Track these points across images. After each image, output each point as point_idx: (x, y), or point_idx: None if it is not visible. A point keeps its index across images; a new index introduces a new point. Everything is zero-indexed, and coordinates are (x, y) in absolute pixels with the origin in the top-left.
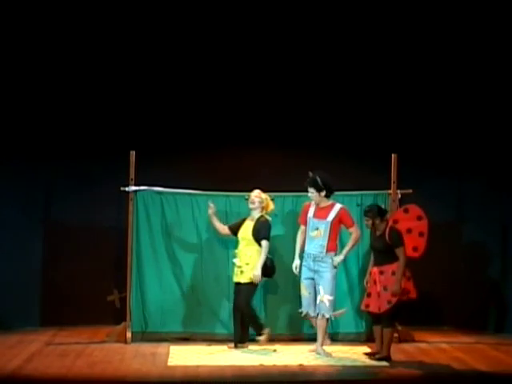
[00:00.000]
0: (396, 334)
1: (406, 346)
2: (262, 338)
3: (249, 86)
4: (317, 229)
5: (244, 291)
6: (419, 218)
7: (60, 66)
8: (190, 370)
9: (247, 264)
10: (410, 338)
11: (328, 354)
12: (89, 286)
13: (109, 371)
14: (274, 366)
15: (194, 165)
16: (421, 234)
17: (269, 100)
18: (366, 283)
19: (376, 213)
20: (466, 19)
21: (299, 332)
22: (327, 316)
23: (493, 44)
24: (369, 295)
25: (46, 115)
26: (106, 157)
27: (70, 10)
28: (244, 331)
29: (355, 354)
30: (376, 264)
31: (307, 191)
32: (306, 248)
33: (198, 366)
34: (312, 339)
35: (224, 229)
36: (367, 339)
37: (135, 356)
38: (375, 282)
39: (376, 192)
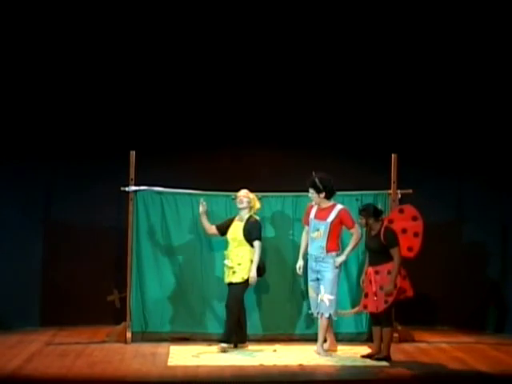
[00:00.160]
0: (396, 334)
1: (406, 346)
2: (224, 345)
3: (249, 86)
4: (317, 230)
5: (235, 290)
6: (414, 219)
7: (60, 66)
8: (189, 370)
9: (239, 264)
10: (410, 338)
11: (328, 354)
12: (89, 286)
13: (109, 371)
14: (274, 366)
15: (193, 165)
16: (416, 235)
17: (269, 100)
18: (362, 282)
19: (371, 212)
20: (466, 19)
21: (294, 332)
22: (326, 315)
23: (493, 44)
24: (366, 295)
25: (46, 115)
26: (106, 157)
27: (71, 11)
28: (242, 331)
29: (355, 354)
30: (371, 264)
31: (307, 191)
32: (309, 249)
33: (197, 366)
34: (307, 339)
35: (211, 228)
36: (368, 339)
37: (135, 356)
38: (371, 282)
39: (376, 192)
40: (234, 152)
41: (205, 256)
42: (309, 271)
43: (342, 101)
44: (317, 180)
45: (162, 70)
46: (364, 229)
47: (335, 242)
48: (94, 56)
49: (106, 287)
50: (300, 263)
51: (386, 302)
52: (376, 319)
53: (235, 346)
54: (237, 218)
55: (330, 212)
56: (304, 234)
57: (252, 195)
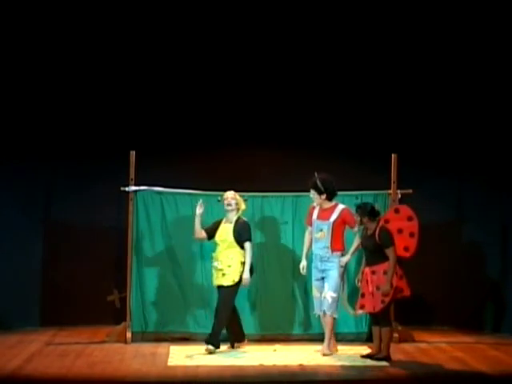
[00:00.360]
0: (396, 334)
1: (406, 346)
2: (211, 347)
3: (249, 86)
4: (321, 230)
5: (226, 294)
6: (410, 219)
7: (60, 66)
8: (189, 370)
9: (229, 266)
10: (410, 338)
11: (332, 354)
12: (89, 286)
13: (109, 371)
14: (274, 366)
15: (193, 165)
16: (411, 235)
17: (269, 100)
18: (358, 282)
19: (366, 211)
20: (465, 19)
21: (293, 332)
22: (329, 313)
23: (493, 44)
24: (362, 296)
25: (46, 115)
26: (106, 157)
27: (71, 11)
28: (239, 330)
29: (355, 354)
30: (368, 264)
31: (308, 191)
32: (313, 249)
33: (197, 366)
34: (307, 340)
35: (201, 232)
36: (368, 339)
37: (135, 356)
38: (367, 282)
39: (376, 192)
40: (234, 152)
41: (205, 256)
42: (314, 271)
43: (342, 101)
44: (318, 181)
45: (162, 70)
46: (361, 227)
47: (340, 241)
48: (94, 56)
49: (106, 287)
50: (303, 263)
51: (382, 301)
52: (375, 319)
53: (232, 346)
54: (224, 221)
55: (332, 212)
56: (307, 234)
57: (238, 196)
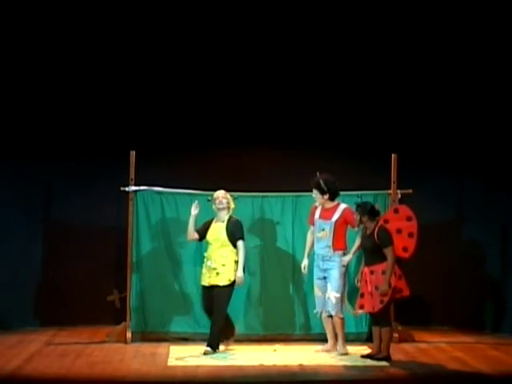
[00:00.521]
0: (396, 334)
1: (406, 346)
2: (209, 349)
3: (249, 85)
4: (323, 229)
5: (222, 294)
6: (409, 219)
7: (60, 66)
8: (189, 370)
9: (223, 265)
10: (410, 338)
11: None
12: (89, 286)
13: (109, 371)
14: (274, 366)
15: (193, 165)
16: (410, 235)
17: (269, 100)
18: (357, 282)
19: (366, 210)
20: (465, 19)
21: (293, 332)
22: (333, 313)
23: (493, 44)
24: (362, 296)
25: (46, 115)
26: (106, 157)
27: (70, 11)
28: (228, 327)
29: (355, 354)
30: (367, 264)
31: (309, 191)
32: (315, 248)
33: (197, 366)
34: (307, 339)
35: (194, 234)
36: (368, 339)
37: (135, 356)
38: (366, 282)
39: (376, 192)
40: (233, 152)
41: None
42: (315, 270)
43: (342, 101)
44: (321, 181)
45: (162, 70)
46: (361, 226)
47: (341, 240)
48: (94, 56)
49: (106, 287)
50: (305, 262)
51: (381, 301)
52: (375, 319)
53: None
54: (215, 220)
55: (334, 211)
56: (309, 233)
57: (229, 195)
